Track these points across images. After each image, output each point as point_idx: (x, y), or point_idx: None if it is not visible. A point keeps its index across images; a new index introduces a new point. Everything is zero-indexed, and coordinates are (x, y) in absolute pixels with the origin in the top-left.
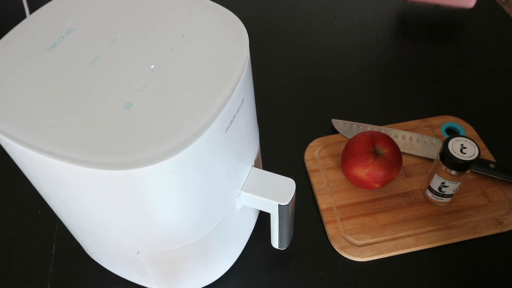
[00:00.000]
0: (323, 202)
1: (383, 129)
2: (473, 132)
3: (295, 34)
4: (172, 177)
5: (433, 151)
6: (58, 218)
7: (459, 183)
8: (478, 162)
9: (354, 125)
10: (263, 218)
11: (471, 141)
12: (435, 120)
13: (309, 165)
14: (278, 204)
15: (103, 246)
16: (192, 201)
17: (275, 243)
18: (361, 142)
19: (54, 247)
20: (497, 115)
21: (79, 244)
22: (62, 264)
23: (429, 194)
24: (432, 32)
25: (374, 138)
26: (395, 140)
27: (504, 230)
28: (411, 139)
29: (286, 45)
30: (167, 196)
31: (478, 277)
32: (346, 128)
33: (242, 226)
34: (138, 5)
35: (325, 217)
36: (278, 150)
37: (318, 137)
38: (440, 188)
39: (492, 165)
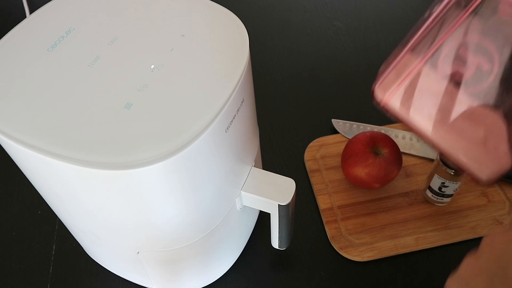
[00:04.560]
0: (323, 202)
1: (383, 129)
2: None
3: (295, 34)
4: (172, 177)
5: (433, 151)
6: (58, 218)
7: (459, 183)
8: None
9: (354, 125)
10: (263, 218)
11: None
12: None
13: (309, 165)
14: (278, 204)
15: (103, 246)
16: (192, 201)
17: (275, 243)
18: (361, 142)
19: (54, 247)
20: None
21: (79, 244)
22: (62, 264)
23: (429, 194)
24: None
25: (374, 138)
26: (395, 140)
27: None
28: (411, 139)
29: (286, 45)
30: (167, 196)
31: None
32: (346, 128)
33: (242, 226)
34: (138, 5)
35: (325, 217)
36: (278, 150)
37: (318, 137)
38: (440, 188)
39: None
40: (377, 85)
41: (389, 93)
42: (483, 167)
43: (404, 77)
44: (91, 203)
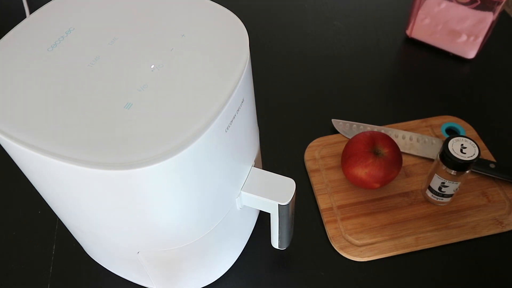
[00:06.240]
0: (323, 202)
1: (383, 129)
2: (473, 132)
3: (295, 34)
4: (172, 177)
5: (433, 151)
6: (58, 218)
7: (459, 183)
8: (478, 162)
9: (354, 125)
10: (263, 218)
11: (471, 141)
12: (435, 120)
13: (309, 165)
14: (278, 204)
15: (103, 246)
16: (192, 201)
17: (275, 243)
18: (361, 142)
19: (54, 247)
20: (497, 115)
21: (79, 244)
22: (62, 264)
23: (429, 194)
24: None
25: (374, 138)
26: (395, 140)
27: (504, 230)
28: (411, 139)
29: (286, 45)
30: (167, 196)
31: (478, 277)
32: (346, 128)
33: (242, 226)
34: (138, 5)
35: (325, 217)
36: (278, 150)
37: (318, 137)
38: (440, 188)
39: (492, 165)
40: (407, 30)
41: (410, 30)
42: None
43: (414, 20)
44: (90, 203)
